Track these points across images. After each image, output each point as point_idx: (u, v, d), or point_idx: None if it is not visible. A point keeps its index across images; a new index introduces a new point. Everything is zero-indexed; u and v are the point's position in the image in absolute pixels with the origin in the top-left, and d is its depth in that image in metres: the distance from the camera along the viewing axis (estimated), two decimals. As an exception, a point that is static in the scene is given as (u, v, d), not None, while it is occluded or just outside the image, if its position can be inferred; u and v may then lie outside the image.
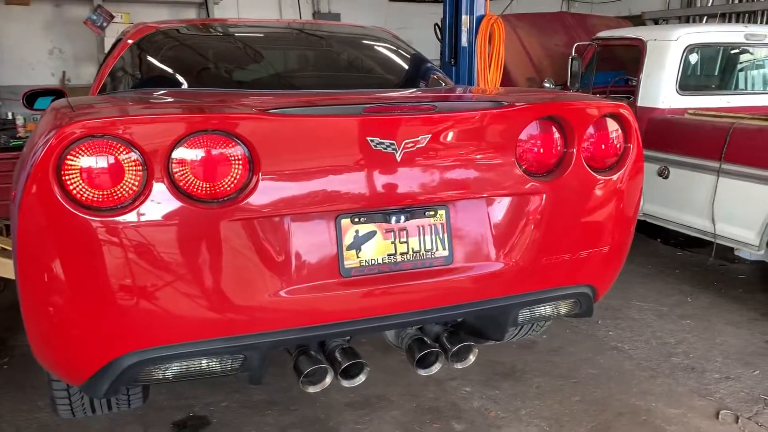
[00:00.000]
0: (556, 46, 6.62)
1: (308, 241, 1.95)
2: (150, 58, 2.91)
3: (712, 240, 4.30)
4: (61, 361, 1.95)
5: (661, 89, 4.82)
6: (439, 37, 5.35)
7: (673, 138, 4.60)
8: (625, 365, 3.53)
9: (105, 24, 7.63)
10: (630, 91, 5.11)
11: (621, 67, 5.62)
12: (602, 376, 3.39)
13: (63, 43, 8.04)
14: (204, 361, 1.87)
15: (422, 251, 2.06)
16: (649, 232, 5.40)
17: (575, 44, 5.56)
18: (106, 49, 7.17)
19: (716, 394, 3.21)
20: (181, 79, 2.76)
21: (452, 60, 5.03)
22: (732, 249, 4.35)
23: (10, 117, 6.95)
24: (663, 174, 4.63)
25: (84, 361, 1.85)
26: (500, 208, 2.17)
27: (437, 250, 2.09)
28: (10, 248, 3.21)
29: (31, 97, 3.65)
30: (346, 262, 1.99)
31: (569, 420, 3.00)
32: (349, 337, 2.25)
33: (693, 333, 3.93)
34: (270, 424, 2.95)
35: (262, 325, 1.90)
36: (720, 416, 3.00)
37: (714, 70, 5.33)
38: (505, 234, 2.17)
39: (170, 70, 2.82)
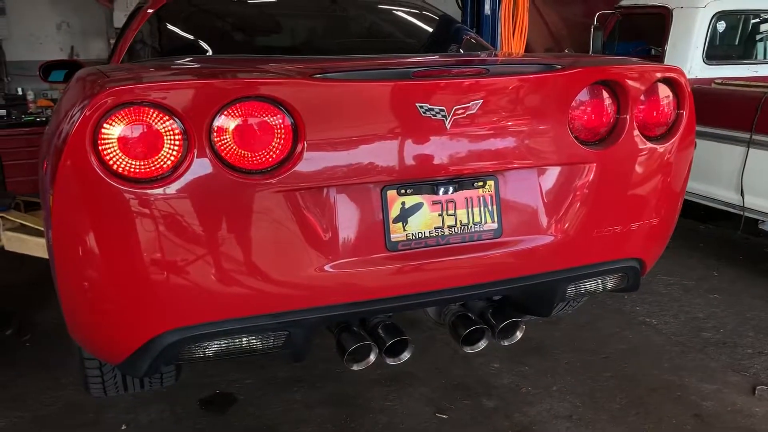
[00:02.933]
0: (575, 16, 6.47)
1: (353, 213, 1.87)
2: (175, 26, 2.80)
3: (740, 213, 4.21)
4: (100, 340, 1.88)
5: (687, 59, 4.70)
6: (461, 4, 5.21)
7: (699, 109, 4.48)
8: (654, 340, 3.47)
9: (115, -4, 7.46)
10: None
11: (642, 37, 5.48)
12: (632, 352, 3.33)
13: (71, 17, 7.87)
14: (246, 339, 1.80)
15: (470, 224, 1.97)
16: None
17: (597, 13, 5.42)
18: (116, 23, 7.03)
19: (751, 370, 3.15)
20: (210, 45, 2.66)
21: (474, 28, 4.90)
22: (756, 222, 4.27)
23: (20, 93, 6.83)
24: (689, 146, 4.52)
25: (124, 340, 1.78)
26: (551, 178, 2.08)
27: (486, 222, 2.00)
28: (30, 224, 3.14)
29: (47, 70, 3.56)
30: (392, 236, 1.91)
31: (601, 396, 2.95)
32: (391, 314, 2.18)
33: (721, 307, 3.86)
34: (297, 401, 2.90)
35: (307, 301, 1.83)
36: (756, 392, 2.94)
37: (742, 38, 5.20)
38: (556, 205, 2.08)
39: (199, 37, 2.72)
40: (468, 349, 2.20)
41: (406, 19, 3.25)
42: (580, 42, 5.56)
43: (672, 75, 2.15)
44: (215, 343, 1.79)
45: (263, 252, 1.76)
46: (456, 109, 1.85)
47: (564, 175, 2.08)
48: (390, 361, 2.12)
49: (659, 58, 4.89)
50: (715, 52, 4.84)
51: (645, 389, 3.00)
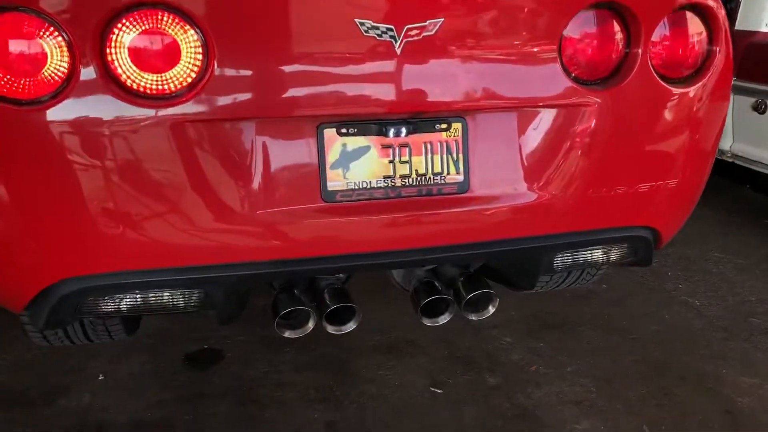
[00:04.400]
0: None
1: (281, 154, 1.59)
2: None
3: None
4: None
5: (766, 8, 4.13)
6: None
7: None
8: (694, 324, 3.08)
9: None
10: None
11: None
12: (666, 335, 2.97)
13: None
14: (157, 295, 1.60)
15: (429, 174, 1.67)
16: (739, 176, 4.77)
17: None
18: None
19: (802, 365, 2.75)
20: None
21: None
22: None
23: None
24: (759, 109, 4.00)
25: (18, 287, 1.60)
26: (536, 123, 1.74)
27: (449, 173, 1.69)
28: None
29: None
30: (329, 184, 1.62)
31: (621, 381, 2.62)
32: (344, 276, 1.93)
33: (779, 292, 3.42)
34: (285, 363, 2.72)
35: (220, 256, 1.59)
36: (804, 391, 2.55)
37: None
38: (541, 157, 1.75)
39: None
40: (428, 322, 1.92)
41: None
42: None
43: (701, 1, 1.73)
44: (124, 296, 1.59)
45: (163, 196, 1.52)
46: (408, 29, 1.52)
47: (552, 120, 1.73)
48: (331, 330, 1.88)
49: (734, 9, 4.32)
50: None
51: (673, 378, 2.65)
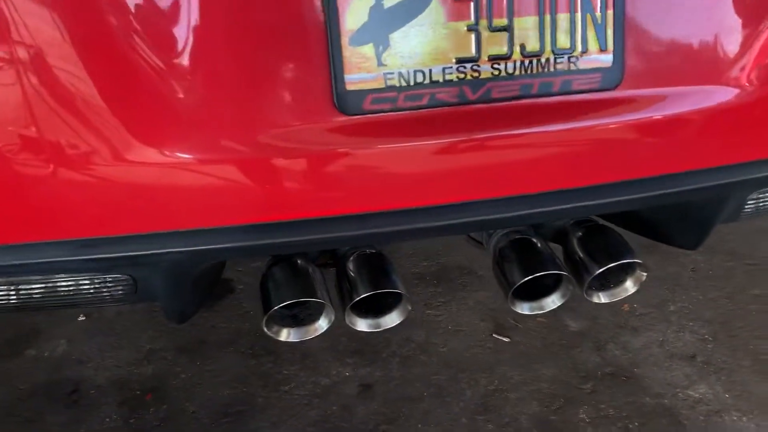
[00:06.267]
0: None
1: (243, 24, 0.87)
2: None
3: None
4: None
5: None
6: None
7: None
8: (831, 243, 2.41)
9: None
10: None
11: None
12: (796, 259, 2.31)
13: None
14: (62, 283, 0.99)
15: (548, 53, 0.93)
16: None
17: None
18: None
19: None
20: None
21: None
22: None
23: None
24: None
25: None
26: None
27: (586, 51, 0.94)
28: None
29: None
30: (348, 78, 0.90)
31: (743, 326, 2.01)
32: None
33: None
34: (309, 300, 2.16)
35: (154, 222, 0.94)
36: None
37: None
38: (743, 38, 1.00)
39: None
40: (525, 309, 1.27)
41: None
42: None
43: None
44: (14, 283, 0.99)
45: (34, 123, 0.86)
46: None
47: None
48: (362, 326, 1.25)
49: None
50: None
51: (813, 320, 2.03)
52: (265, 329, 1.14)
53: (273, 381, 1.85)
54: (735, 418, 1.71)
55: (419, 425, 1.71)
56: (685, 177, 1.01)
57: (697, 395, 1.78)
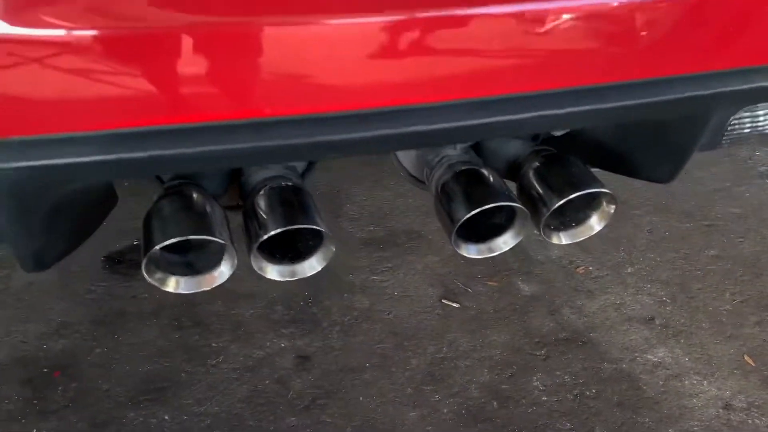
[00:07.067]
0: None
1: None
2: None
3: None
4: None
5: None
6: None
7: None
8: (784, 203, 2.35)
9: None
10: None
11: None
12: (751, 219, 2.23)
13: None
14: None
15: None
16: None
17: None
18: None
19: None
20: None
21: None
22: None
23: None
24: None
25: None
26: None
27: None
28: None
29: None
30: None
31: (701, 287, 1.92)
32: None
33: None
34: (243, 265, 1.97)
35: None
36: None
37: None
38: None
39: None
40: (471, 252, 1.10)
41: None
42: None
43: None
44: None
45: None
46: None
47: None
48: (272, 274, 1.07)
49: None
50: None
51: (770, 279, 1.96)
52: (146, 275, 0.95)
53: (199, 354, 1.67)
54: (695, 381, 1.62)
55: (360, 398, 1.56)
56: (656, 85, 0.85)
57: (656, 359, 1.69)
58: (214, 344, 1.71)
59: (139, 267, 1.84)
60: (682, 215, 2.25)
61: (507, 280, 1.94)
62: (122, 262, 1.99)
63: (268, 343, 1.71)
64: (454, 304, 1.85)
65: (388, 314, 1.82)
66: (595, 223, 1.14)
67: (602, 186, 1.07)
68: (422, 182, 1.19)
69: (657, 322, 1.80)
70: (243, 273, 1.92)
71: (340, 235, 2.09)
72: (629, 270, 1.99)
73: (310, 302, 1.85)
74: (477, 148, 1.18)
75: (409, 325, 1.78)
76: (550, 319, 1.80)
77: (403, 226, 2.16)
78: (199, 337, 1.72)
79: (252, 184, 1.06)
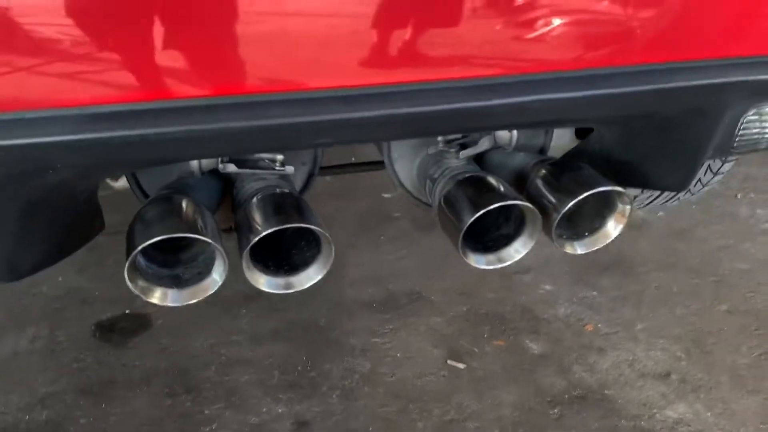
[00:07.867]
0: None
1: None
2: None
3: None
4: None
5: None
6: None
7: None
8: (793, 258, 2.30)
9: None
10: None
11: None
12: (759, 273, 2.18)
13: None
14: None
15: None
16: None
17: None
18: None
19: None
20: None
21: None
22: None
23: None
24: None
25: None
26: None
27: None
28: None
29: None
30: None
31: (716, 342, 1.84)
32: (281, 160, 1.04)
33: None
34: (239, 331, 1.90)
35: None
36: None
37: None
38: None
39: None
40: (480, 262, 1.03)
41: None
42: None
43: None
44: None
45: None
46: None
47: None
48: (266, 286, 1.00)
49: None
50: None
51: (786, 333, 1.88)
52: (128, 282, 0.88)
53: (192, 422, 1.57)
54: (721, 438, 1.52)
55: (364, 464, 1.45)
56: (663, 73, 0.82)
57: (676, 415, 1.59)
58: (207, 411, 1.61)
59: (132, 334, 1.77)
60: (688, 272, 2.20)
61: (514, 340, 1.86)
62: (113, 331, 1.92)
63: (264, 409, 1.61)
64: (460, 365, 1.77)
65: (391, 377, 1.73)
66: (612, 228, 1.07)
67: (614, 184, 1.02)
68: (423, 202, 1.13)
69: (673, 377, 1.71)
70: (240, 339, 1.85)
71: (339, 298, 2.03)
72: (639, 326, 1.92)
73: (308, 366, 1.76)
74: (480, 161, 1.14)
75: (413, 387, 1.69)
76: (561, 377, 1.72)
77: (403, 287, 2.10)
78: (192, 404, 1.62)
79: (244, 196, 1.01)
